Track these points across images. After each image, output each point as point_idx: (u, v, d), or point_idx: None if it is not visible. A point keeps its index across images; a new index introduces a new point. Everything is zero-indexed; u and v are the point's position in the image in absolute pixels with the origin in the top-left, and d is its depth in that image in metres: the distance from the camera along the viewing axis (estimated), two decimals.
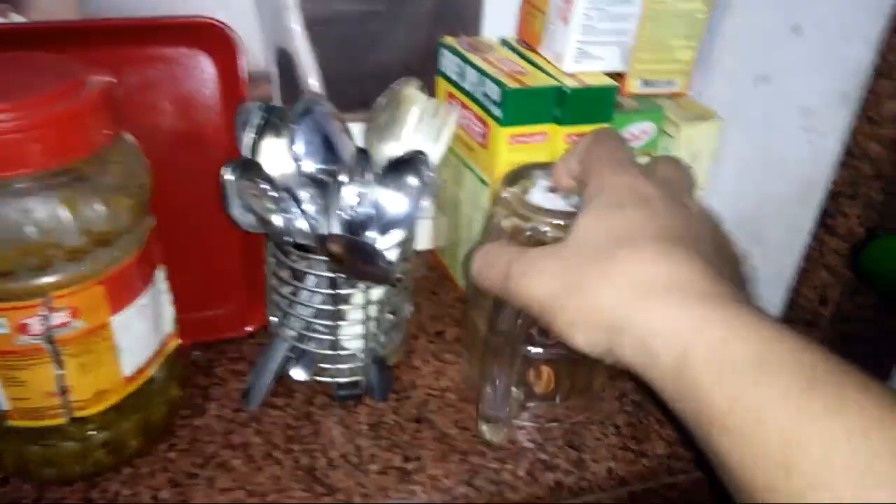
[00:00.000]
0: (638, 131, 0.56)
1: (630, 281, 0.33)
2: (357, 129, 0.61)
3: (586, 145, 0.41)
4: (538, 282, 0.36)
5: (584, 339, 0.34)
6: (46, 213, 0.39)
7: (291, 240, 0.48)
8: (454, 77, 0.59)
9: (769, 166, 0.52)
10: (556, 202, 0.46)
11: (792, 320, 0.51)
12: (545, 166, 0.49)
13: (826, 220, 0.46)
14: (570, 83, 0.53)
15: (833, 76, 0.46)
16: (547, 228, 0.43)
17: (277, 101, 0.58)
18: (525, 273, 0.37)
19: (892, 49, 0.41)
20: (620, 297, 0.33)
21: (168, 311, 0.50)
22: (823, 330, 0.50)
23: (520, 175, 0.49)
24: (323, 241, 0.43)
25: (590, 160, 0.40)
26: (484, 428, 0.48)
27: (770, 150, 0.52)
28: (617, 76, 0.57)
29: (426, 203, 0.51)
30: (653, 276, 0.32)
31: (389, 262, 0.44)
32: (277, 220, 0.47)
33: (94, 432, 0.47)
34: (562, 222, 0.43)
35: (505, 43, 0.62)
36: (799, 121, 0.49)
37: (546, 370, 0.51)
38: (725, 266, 0.36)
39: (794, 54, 0.49)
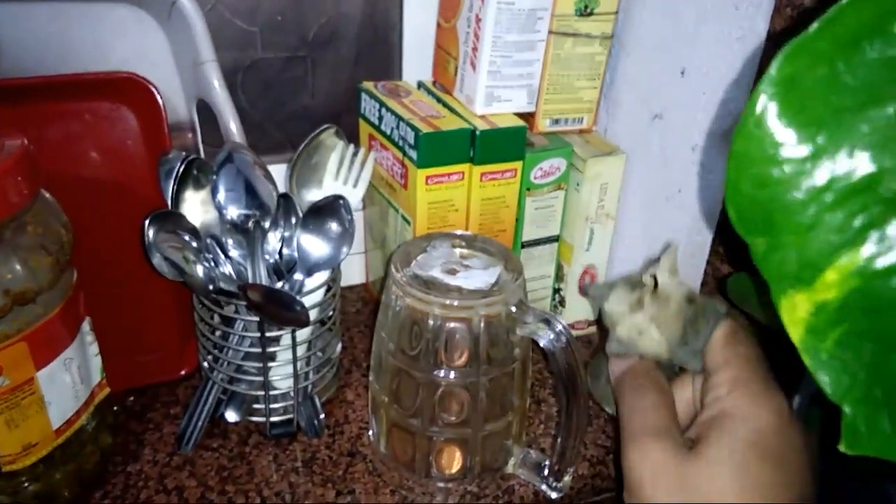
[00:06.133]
0: (549, 167, 0.59)
1: None
2: (282, 170, 0.63)
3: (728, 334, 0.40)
4: (649, 478, 0.37)
5: None
6: None
7: (213, 288, 0.49)
8: (374, 120, 0.62)
9: (670, 198, 0.56)
10: (451, 277, 0.47)
11: None
12: (437, 238, 0.51)
13: (718, 249, 0.50)
14: (480, 125, 0.56)
15: (715, 116, 0.50)
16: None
17: (201, 150, 0.60)
18: (644, 459, 0.38)
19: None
20: None
21: (96, 361, 0.51)
22: None
23: (411, 251, 0.49)
24: (244, 290, 0.44)
25: (735, 357, 0.38)
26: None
27: (669, 182, 0.55)
28: (528, 116, 0.60)
29: (347, 247, 0.53)
30: None
31: (304, 307, 0.45)
32: (198, 270, 0.48)
33: (25, 485, 0.48)
34: (456, 302, 0.45)
35: (422, 86, 0.65)
36: (690, 156, 0.53)
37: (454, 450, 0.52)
38: None
39: (682, 95, 0.53)
